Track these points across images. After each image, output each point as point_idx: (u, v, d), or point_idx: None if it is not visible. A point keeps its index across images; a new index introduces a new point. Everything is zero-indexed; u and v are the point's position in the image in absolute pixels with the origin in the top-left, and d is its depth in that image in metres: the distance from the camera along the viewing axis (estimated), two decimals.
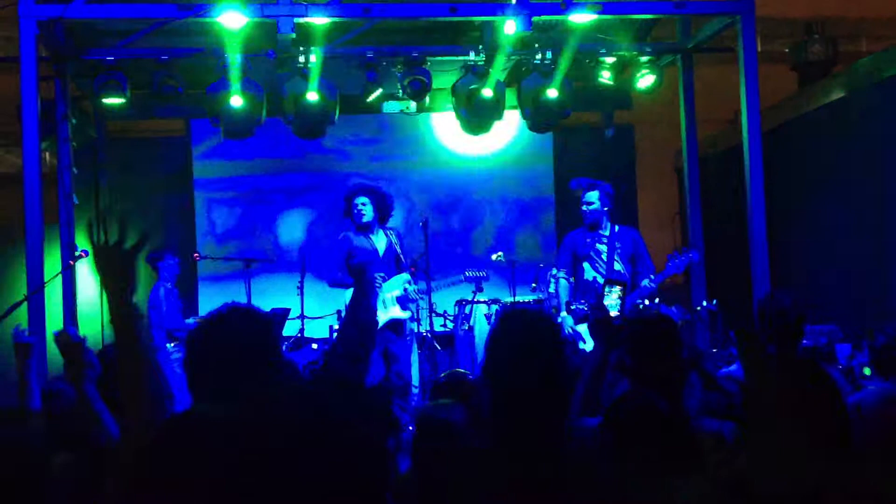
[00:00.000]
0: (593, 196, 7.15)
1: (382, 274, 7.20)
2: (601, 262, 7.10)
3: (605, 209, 7.18)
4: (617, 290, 6.84)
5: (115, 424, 2.73)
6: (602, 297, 6.75)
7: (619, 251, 7.11)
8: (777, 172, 8.66)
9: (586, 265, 7.13)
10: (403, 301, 7.22)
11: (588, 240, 7.16)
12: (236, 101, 8.44)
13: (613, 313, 6.58)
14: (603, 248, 7.13)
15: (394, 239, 7.41)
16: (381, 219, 7.43)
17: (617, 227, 7.22)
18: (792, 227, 9.67)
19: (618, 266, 7.08)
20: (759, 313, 4.28)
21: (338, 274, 7.31)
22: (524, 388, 2.45)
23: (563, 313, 7.07)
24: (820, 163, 9.46)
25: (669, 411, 2.66)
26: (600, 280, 7.04)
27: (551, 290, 7.49)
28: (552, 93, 8.69)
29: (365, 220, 7.32)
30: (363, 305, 2.69)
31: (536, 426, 2.40)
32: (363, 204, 7.32)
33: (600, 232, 7.16)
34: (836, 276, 9.17)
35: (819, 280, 9.30)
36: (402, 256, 7.41)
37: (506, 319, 2.63)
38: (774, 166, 8.35)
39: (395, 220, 10.44)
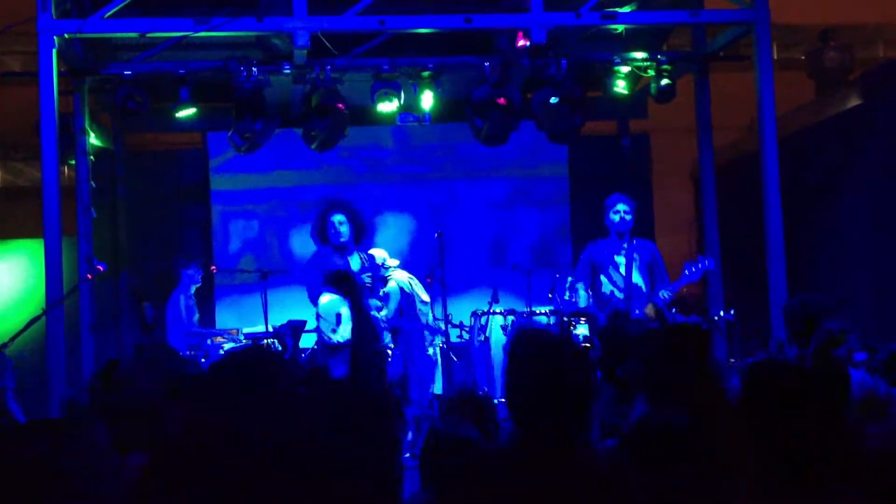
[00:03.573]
0: (629, 207, 7.15)
1: (369, 274, 7.00)
2: (618, 275, 7.08)
3: (632, 223, 7.20)
4: (582, 321, 6.92)
5: None
6: (569, 330, 6.81)
7: (637, 263, 7.11)
8: (794, 179, 8.63)
9: (603, 278, 7.13)
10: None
11: (607, 252, 7.15)
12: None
13: (585, 345, 6.66)
14: (621, 259, 7.12)
15: (366, 264, 7.13)
16: (357, 239, 7.13)
17: (635, 240, 7.22)
18: (809, 234, 9.62)
19: (636, 278, 7.08)
20: (786, 317, 4.30)
21: (318, 301, 7.05)
22: (546, 412, 2.38)
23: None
24: (837, 170, 9.42)
25: (693, 430, 2.59)
26: (618, 294, 7.05)
27: (567, 297, 7.48)
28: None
29: (342, 240, 6.97)
30: (360, 313, 2.72)
31: (557, 446, 2.34)
32: (340, 223, 6.99)
33: (620, 244, 7.15)
34: (853, 283, 9.11)
35: (837, 287, 9.24)
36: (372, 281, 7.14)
37: (524, 346, 2.54)
38: (791, 173, 8.31)
39: (411, 231, 10.51)
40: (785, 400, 2.41)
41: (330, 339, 6.80)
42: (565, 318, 7.05)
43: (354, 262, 7.09)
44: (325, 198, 7.45)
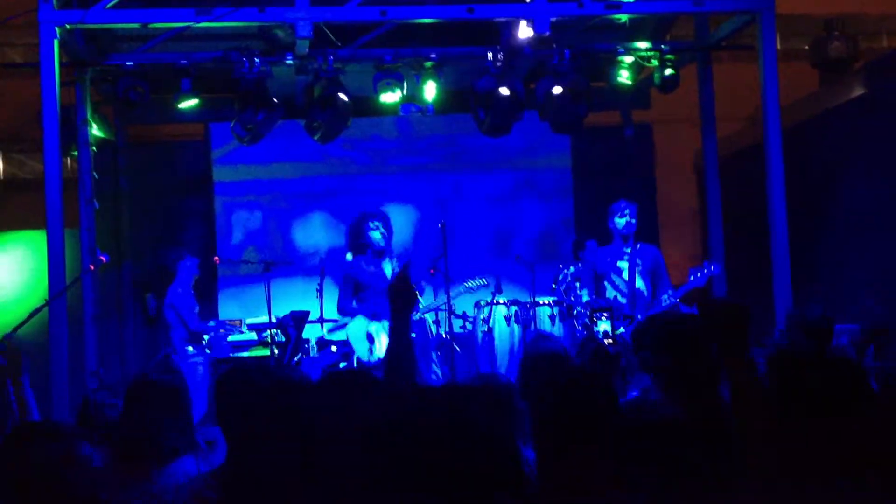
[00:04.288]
0: (633, 210, 7.12)
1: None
2: (621, 281, 7.06)
3: (636, 225, 7.17)
4: (604, 316, 6.90)
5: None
6: (592, 326, 6.78)
7: (640, 268, 7.08)
8: (798, 170, 8.60)
9: (607, 284, 7.11)
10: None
11: (609, 258, 7.12)
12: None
13: (607, 341, 6.66)
14: (624, 265, 7.10)
15: (395, 265, 7.26)
16: (388, 243, 7.31)
17: (639, 245, 7.18)
18: (814, 225, 9.60)
19: (639, 283, 7.06)
20: (788, 327, 4.32)
21: (349, 306, 7.13)
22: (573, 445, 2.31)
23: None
24: (841, 160, 9.39)
25: (690, 417, 2.57)
26: (621, 299, 7.03)
27: (554, 287, 7.48)
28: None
29: (381, 245, 7.12)
30: (401, 336, 2.71)
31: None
32: (375, 228, 7.15)
33: (623, 249, 7.11)
34: (858, 274, 9.09)
35: (841, 278, 9.22)
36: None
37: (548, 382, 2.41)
38: (795, 164, 8.29)
39: (415, 222, 10.50)
40: (813, 391, 2.41)
41: (368, 360, 6.88)
42: (586, 312, 7.02)
43: (386, 266, 7.13)
44: (365, 210, 7.57)
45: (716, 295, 6.90)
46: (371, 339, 6.94)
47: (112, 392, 4.13)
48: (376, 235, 7.07)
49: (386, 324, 6.97)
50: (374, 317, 6.91)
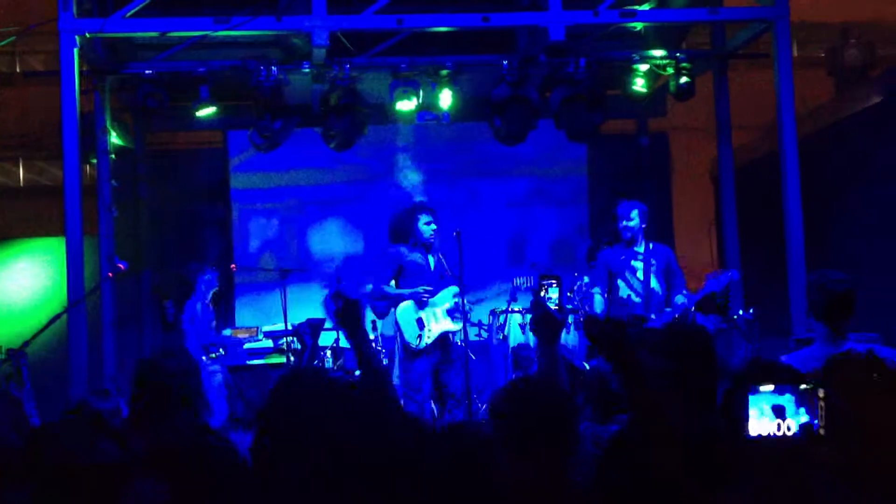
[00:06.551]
0: (634, 213, 7.10)
1: (430, 287, 7.01)
2: (636, 280, 7.05)
3: (643, 227, 7.14)
4: (553, 283, 6.88)
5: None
6: (538, 291, 6.75)
7: (654, 268, 7.07)
8: (814, 178, 8.57)
9: (620, 282, 7.10)
10: (453, 312, 7.05)
11: (623, 257, 7.11)
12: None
13: (553, 307, 6.63)
14: (638, 264, 7.09)
15: (440, 257, 7.26)
16: (436, 237, 7.24)
17: (651, 245, 7.17)
18: (830, 233, 9.56)
19: (654, 283, 7.04)
20: (810, 291, 4.39)
21: (383, 290, 7.07)
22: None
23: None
24: (858, 168, 9.35)
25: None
26: (635, 298, 7.01)
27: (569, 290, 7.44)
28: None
29: (430, 239, 7.08)
30: (362, 355, 2.82)
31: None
32: (428, 223, 7.09)
33: (635, 249, 7.11)
34: (876, 283, 9.04)
35: (858, 286, 9.16)
36: (450, 272, 7.19)
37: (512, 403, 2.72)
38: (812, 172, 8.26)
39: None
40: None
41: (418, 345, 6.87)
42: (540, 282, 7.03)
43: (431, 258, 7.14)
44: (417, 200, 7.55)
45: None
46: (421, 324, 6.90)
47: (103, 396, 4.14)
48: (428, 229, 7.04)
49: (435, 310, 6.91)
50: (421, 303, 6.89)
